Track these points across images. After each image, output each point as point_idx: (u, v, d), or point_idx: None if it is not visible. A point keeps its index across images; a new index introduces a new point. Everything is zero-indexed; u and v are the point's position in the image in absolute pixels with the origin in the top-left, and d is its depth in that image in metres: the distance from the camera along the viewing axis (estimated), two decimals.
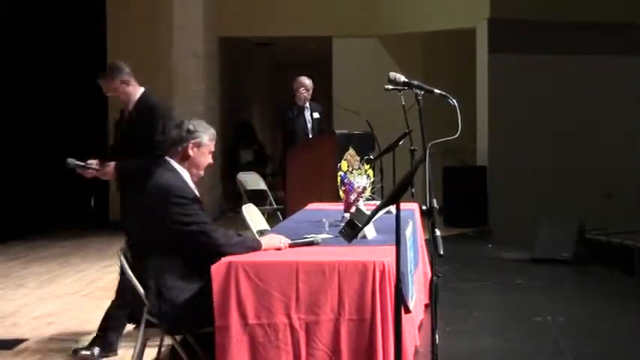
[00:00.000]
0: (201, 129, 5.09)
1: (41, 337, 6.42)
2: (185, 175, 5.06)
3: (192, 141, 5.05)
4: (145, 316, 4.93)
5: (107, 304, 7.59)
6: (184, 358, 4.89)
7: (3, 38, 12.22)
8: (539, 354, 6.21)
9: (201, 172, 5.16)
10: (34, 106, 13.08)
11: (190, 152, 5.05)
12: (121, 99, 6.37)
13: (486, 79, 13.42)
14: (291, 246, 5.07)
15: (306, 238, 5.19)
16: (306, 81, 10.45)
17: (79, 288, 9.02)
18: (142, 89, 6.40)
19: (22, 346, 6.59)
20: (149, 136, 6.13)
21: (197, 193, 5.06)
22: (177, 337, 4.97)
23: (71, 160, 6.08)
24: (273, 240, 5.05)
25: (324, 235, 5.34)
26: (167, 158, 5.10)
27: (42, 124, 13.11)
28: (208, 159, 5.14)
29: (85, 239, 12.59)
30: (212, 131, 5.16)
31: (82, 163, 6.09)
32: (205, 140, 5.09)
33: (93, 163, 6.16)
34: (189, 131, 5.06)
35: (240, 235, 4.94)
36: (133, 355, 5.04)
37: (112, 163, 6.16)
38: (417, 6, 14.69)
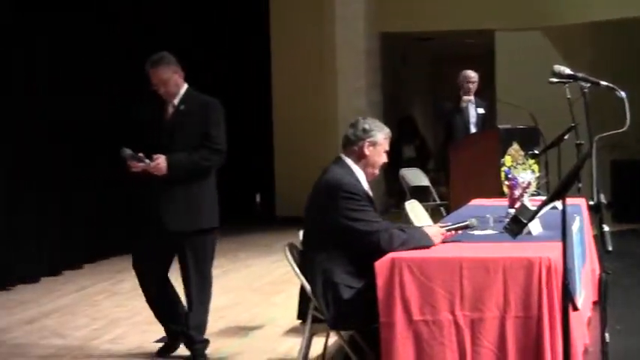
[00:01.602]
0: (376, 128, 5.12)
1: (212, 330, 6.60)
2: (359, 173, 5.10)
3: (368, 140, 5.08)
4: (311, 311, 5.00)
5: (276, 298, 7.77)
6: (350, 354, 4.95)
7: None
8: None
9: (377, 172, 5.19)
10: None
11: (366, 151, 5.09)
12: (169, 91, 6.07)
13: None
14: (448, 231, 5.05)
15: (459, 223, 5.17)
16: (472, 73, 10.41)
17: (247, 283, 9.23)
18: (186, 84, 6.17)
19: None
20: (205, 131, 6.06)
21: (370, 193, 5.09)
22: (343, 333, 5.04)
23: (127, 151, 5.91)
24: (433, 230, 5.03)
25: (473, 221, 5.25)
26: (342, 156, 5.15)
27: None
28: (383, 158, 5.17)
29: (252, 235, 12.85)
30: (387, 130, 5.18)
31: (136, 155, 5.90)
32: (380, 139, 5.12)
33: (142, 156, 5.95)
34: (364, 130, 5.10)
35: (404, 231, 4.93)
36: (300, 350, 5.13)
37: (163, 157, 5.94)
38: None
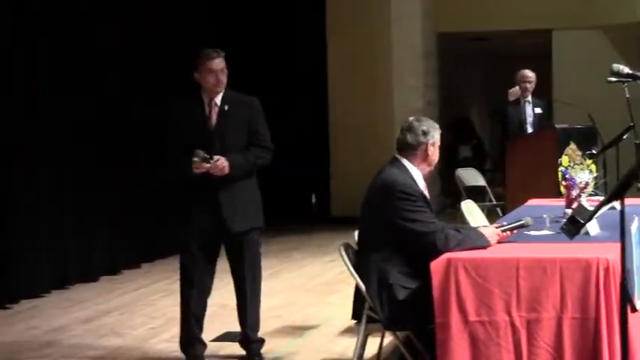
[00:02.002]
0: (432, 128, 5.15)
1: (266, 330, 6.63)
2: (415, 174, 5.10)
3: (430, 141, 5.11)
4: (366, 311, 5.01)
5: (330, 298, 7.77)
6: (406, 354, 4.94)
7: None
8: None
9: (432, 168, 5.21)
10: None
11: (429, 152, 5.12)
12: (218, 87, 6.03)
13: None
14: (503, 232, 5.02)
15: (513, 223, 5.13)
16: (529, 73, 10.41)
17: (302, 283, 9.25)
18: None
19: None
20: (254, 129, 6.08)
21: (426, 193, 5.09)
22: (399, 334, 5.03)
23: (201, 152, 5.84)
24: (489, 230, 5.01)
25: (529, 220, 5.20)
26: (398, 157, 5.15)
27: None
28: (438, 155, 5.20)
29: (307, 235, 12.88)
30: (437, 125, 5.22)
31: (208, 156, 5.86)
32: (438, 137, 5.16)
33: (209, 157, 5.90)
34: (424, 133, 5.11)
35: (459, 231, 4.91)
36: (355, 350, 5.14)
37: (223, 158, 5.89)
38: None
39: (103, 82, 10.05)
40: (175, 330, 7.23)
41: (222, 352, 6.51)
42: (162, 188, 10.63)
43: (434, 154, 5.14)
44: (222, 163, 5.89)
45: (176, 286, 8.86)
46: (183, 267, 6.27)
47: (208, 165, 5.86)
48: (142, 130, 10.46)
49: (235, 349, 6.37)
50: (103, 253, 9.86)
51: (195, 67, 6.06)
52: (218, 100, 6.07)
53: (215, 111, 6.06)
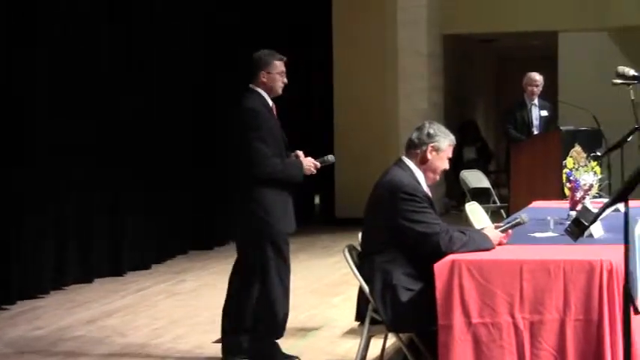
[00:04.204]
0: (441, 134, 5.11)
1: None
2: (420, 175, 5.09)
3: (431, 145, 5.08)
4: (370, 313, 5.00)
5: (334, 300, 7.75)
6: (409, 356, 4.94)
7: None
8: None
9: (437, 177, 5.18)
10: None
11: (429, 156, 5.08)
12: (280, 89, 6.13)
13: None
14: (501, 232, 5.02)
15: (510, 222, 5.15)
16: (537, 76, 10.38)
17: (306, 284, 9.24)
18: None
19: None
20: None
21: (430, 195, 5.09)
22: (402, 335, 5.02)
23: (332, 158, 6.17)
24: (493, 232, 5.00)
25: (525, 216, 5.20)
26: (403, 157, 5.16)
27: None
28: (445, 164, 5.15)
29: (312, 237, 12.86)
30: (452, 137, 5.17)
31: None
32: (444, 145, 5.11)
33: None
34: (429, 135, 5.09)
35: (464, 233, 4.91)
36: (358, 351, 5.13)
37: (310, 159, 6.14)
38: None
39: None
40: (179, 331, 7.24)
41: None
42: (169, 188, 10.69)
43: (435, 159, 5.09)
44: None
45: (178, 288, 8.85)
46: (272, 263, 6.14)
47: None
48: (150, 129, 10.48)
49: None
50: (105, 254, 9.83)
51: (260, 66, 6.09)
52: (271, 102, 6.14)
53: (275, 112, 6.16)
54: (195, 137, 11.50)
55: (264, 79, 6.06)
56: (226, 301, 6.25)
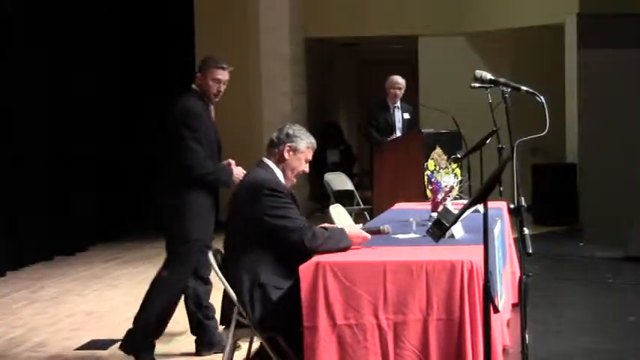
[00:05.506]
0: (301, 135, 5.19)
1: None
2: (280, 175, 5.15)
3: (289, 144, 5.14)
4: (235, 316, 4.97)
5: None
6: (274, 358, 4.93)
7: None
8: (632, 355, 6.09)
9: (294, 179, 5.22)
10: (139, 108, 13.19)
11: (286, 155, 5.14)
12: (213, 96, 6.18)
13: (575, 75, 13.17)
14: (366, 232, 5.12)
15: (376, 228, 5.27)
16: (399, 79, 10.46)
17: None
18: None
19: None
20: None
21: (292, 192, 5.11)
22: (268, 337, 5.01)
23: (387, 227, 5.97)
24: (353, 229, 5.09)
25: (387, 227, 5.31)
26: (264, 158, 5.21)
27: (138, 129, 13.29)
28: (303, 166, 5.21)
29: None
30: (311, 140, 5.24)
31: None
32: (302, 147, 5.17)
33: None
34: (287, 135, 5.16)
35: (326, 229, 4.97)
36: (223, 355, 5.09)
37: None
38: (504, 2, 14.52)
39: None
40: (37, 339, 7.03)
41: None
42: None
43: (292, 159, 5.15)
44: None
45: (37, 295, 8.58)
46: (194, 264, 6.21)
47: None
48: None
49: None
50: None
51: (200, 68, 6.15)
52: (209, 105, 6.18)
53: (213, 115, 6.23)
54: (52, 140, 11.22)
55: (199, 82, 6.13)
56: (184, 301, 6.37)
